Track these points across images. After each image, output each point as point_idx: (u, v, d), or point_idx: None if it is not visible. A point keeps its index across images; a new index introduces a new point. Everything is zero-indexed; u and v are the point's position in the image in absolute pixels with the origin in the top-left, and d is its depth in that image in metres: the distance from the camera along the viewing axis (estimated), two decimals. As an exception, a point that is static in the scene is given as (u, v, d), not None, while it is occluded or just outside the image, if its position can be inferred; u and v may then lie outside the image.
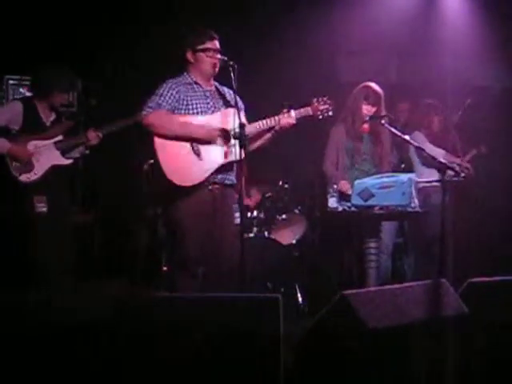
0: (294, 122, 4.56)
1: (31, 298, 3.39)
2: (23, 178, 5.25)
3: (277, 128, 4.56)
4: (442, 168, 4.56)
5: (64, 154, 5.41)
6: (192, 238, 4.48)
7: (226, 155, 4.50)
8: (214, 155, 4.49)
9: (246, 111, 4.66)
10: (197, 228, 4.49)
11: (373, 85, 5.42)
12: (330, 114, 4.69)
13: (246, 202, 6.17)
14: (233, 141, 4.44)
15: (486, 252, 6.79)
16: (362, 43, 7.49)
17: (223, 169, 4.54)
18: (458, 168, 5.50)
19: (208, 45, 4.53)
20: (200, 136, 4.46)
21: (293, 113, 4.56)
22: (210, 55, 4.52)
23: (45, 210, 5.28)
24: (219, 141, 4.51)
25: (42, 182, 5.30)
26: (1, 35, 6.43)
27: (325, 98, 4.65)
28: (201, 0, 6.84)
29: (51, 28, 6.58)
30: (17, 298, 3.35)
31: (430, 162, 4.83)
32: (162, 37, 6.66)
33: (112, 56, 6.91)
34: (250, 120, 4.61)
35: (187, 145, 4.47)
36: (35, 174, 5.28)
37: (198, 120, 4.52)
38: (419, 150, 5.34)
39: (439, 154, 5.88)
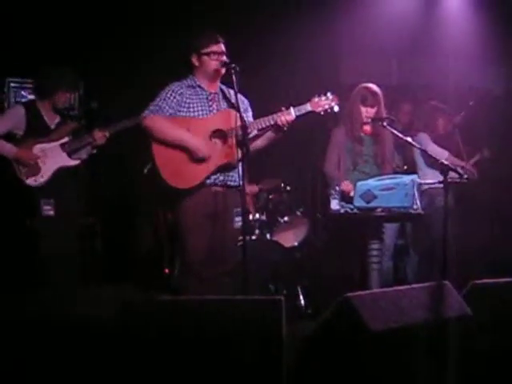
0: (293, 117, 4.45)
1: (35, 299, 3.39)
2: (30, 181, 5.25)
3: (276, 126, 4.47)
4: (444, 169, 4.58)
5: (71, 155, 5.42)
6: (195, 239, 4.47)
7: (224, 156, 4.47)
8: (212, 156, 4.45)
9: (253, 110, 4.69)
10: (199, 229, 4.48)
11: (370, 85, 5.36)
12: (336, 109, 4.57)
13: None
14: (231, 141, 4.42)
15: (489, 254, 6.77)
16: (364, 45, 7.49)
17: (224, 169, 4.50)
18: (460, 170, 5.48)
19: (213, 48, 4.52)
20: (190, 149, 4.42)
21: (292, 110, 4.48)
22: (214, 58, 4.52)
23: (52, 213, 5.29)
24: (217, 142, 4.49)
25: (50, 184, 5.31)
26: (2, 38, 6.43)
27: (327, 94, 4.54)
28: (204, 2, 6.85)
29: (52, 30, 6.58)
30: (20, 299, 3.36)
31: (433, 163, 4.79)
32: (166, 39, 6.66)
33: (114, 58, 6.89)
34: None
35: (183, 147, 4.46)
36: (42, 176, 5.28)
37: (197, 122, 4.50)
38: (422, 151, 5.32)
39: (442, 154, 5.88)
